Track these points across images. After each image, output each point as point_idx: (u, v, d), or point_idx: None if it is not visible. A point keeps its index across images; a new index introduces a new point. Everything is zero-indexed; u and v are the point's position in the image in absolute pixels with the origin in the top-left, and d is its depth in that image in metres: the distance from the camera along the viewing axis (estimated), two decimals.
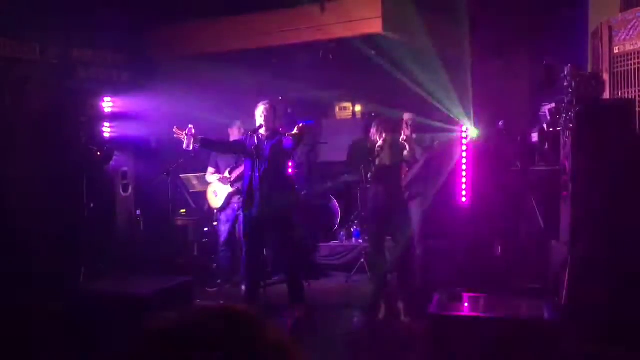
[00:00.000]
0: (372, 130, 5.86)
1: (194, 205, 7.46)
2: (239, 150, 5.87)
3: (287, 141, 5.50)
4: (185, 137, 5.33)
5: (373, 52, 6.98)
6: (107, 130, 7.08)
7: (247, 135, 5.68)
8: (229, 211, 6.82)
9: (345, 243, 7.79)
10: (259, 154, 5.43)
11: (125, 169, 7.23)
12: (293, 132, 5.34)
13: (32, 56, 6.40)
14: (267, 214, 5.45)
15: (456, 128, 6.32)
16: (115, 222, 7.10)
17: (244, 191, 5.64)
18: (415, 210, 6.28)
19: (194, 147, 5.38)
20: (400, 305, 5.67)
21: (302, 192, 7.88)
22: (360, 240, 7.64)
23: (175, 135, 5.47)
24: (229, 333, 0.80)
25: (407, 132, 5.70)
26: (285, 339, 0.84)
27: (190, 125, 5.40)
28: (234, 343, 0.80)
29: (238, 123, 6.70)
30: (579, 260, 4.89)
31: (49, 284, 5.81)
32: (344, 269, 7.44)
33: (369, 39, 6.71)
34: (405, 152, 5.63)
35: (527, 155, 6.54)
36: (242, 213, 5.96)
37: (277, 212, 5.51)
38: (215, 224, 7.19)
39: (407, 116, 6.11)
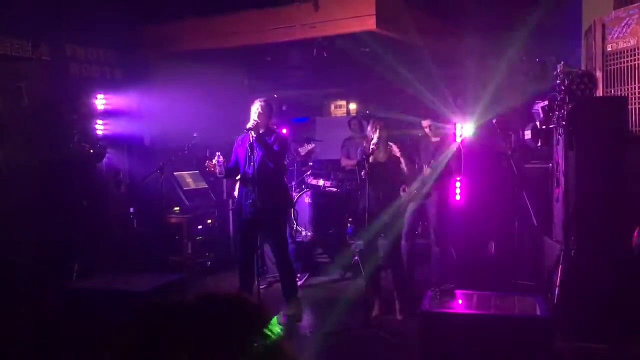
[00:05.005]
0: (367, 128, 5.85)
1: (187, 203, 7.43)
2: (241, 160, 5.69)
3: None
4: (217, 166, 5.53)
5: (367, 49, 6.97)
6: (100, 127, 7.05)
7: (242, 134, 5.60)
8: None
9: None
10: (253, 152, 5.39)
11: (118, 166, 7.20)
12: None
13: (25, 53, 6.35)
14: (261, 213, 5.40)
15: (449, 126, 6.31)
16: (109, 220, 7.07)
17: (239, 189, 5.62)
18: (410, 208, 6.27)
19: (219, 172, 5.62)
20: (396, 302, 5.69)
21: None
22: (355, 237, 7.62)
23: (208, 169, 5.66)
24: (228, 319, 0.85)
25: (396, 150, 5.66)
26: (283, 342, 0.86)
27: (217, 153, 5.58)
28: (231, 328, 0.84)
29: None
30: (571, 257, 4.90)
31: (41, 282, 5.79)
32: (338, 265, 7.43)
33: (363, 36, 6.70)
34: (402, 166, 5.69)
35: (520, 153, 6.55)
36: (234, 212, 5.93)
37: (270, 211, 5.48)
38: None
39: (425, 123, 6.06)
